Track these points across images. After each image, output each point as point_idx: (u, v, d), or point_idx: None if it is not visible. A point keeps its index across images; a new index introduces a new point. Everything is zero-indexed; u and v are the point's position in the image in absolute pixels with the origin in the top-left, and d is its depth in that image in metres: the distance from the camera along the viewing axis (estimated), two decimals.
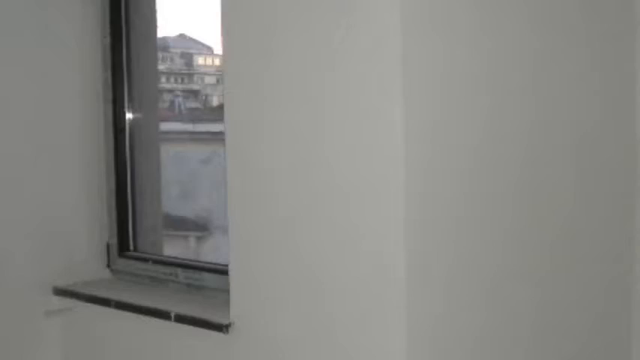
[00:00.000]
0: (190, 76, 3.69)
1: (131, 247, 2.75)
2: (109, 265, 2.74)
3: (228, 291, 2.15)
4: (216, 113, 2.82)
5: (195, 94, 3.76)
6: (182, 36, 3.56)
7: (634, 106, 2.28)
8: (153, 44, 2.83)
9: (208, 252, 3.30)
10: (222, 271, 2.28)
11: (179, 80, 3.68)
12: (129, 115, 2.74)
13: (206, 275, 2.46)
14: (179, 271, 2.55)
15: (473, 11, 1.91)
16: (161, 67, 3.10)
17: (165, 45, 3.32)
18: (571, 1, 2.13)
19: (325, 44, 1.88)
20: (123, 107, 2.73)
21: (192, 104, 3.72)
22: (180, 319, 2.25)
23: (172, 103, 3.59)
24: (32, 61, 2.57)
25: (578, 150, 2.17)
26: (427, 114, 1.82)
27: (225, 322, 2.12)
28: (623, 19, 2.25)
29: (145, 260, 2.67)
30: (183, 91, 3.67)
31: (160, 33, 2.89)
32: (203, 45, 3.60)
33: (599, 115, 2.23)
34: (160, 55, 2.99)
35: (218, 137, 2.19)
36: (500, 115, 1.98)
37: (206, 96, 3.73)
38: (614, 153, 2.27)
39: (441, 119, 1.86)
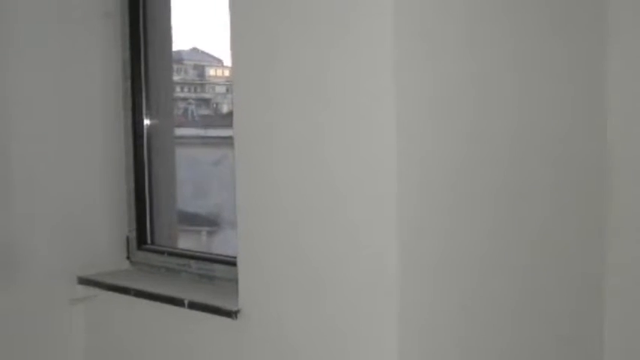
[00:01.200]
0: (202, 85, 3.67)
1: (148, 241, 2.75)
2: (128, 257, 2.74)
3: (236, 280, 2.15)
4: (226, 119, 2.82)
5: (206, 102, 3.74)
6: (195, 49, 3.55)
7: (604, 113, 2.27)
8: (168, 57, 2.83)
9: (218, 245, 3.28)
10: (231, 263, 2.27)
11: (192, 90, 3.66)
12: (147, 122, 2.74)
13: (216, 266, 2.46)
14: (192, 262, 2.55)
15: (461, 25, 1.92)
16: (176, 77, 3.09)
17: (180, 57, 3.30)
18: (548, 17, 2.12)
19: (324, 58, 1.89)
20: (141, 114, 2.73)
21: (204, 111, 3.70)
22: (193, 306, 2.25)
23: (186, 110, 3.58)
24: (62, 73, 2.58)
25: (554, 152, 2.17)
26: (417, 120, 1.82)
27: (233, 308, 2.12)
28: (595, 34, 2.24)
29: (161, 252, 2.67)
30: (196, 99, 3.66)
31: (175, 47, 2.88)
32: (214, 57, 3.58)
33: (574, 120, 2.22)
34: (174, 66, 2.97)
35: (227, 141, 2.18)
36: (485, 120, 1.98)
37: (216, 104, 3.71)
38: (587, 154, 2.26)
39: (429, 126, 1.86)
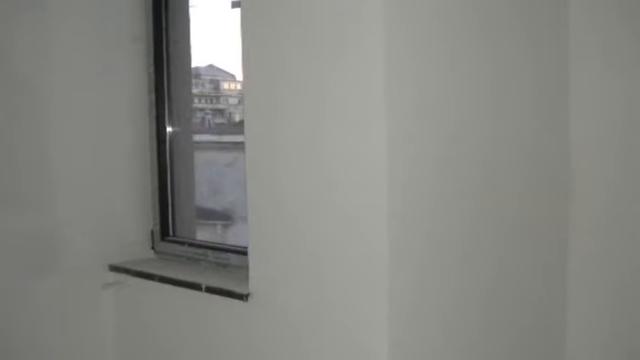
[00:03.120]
0: (217, 98, 3.66)
1: (171, 233, 2.74)
2: (153, 248, 2.74)
3: (247, 268, 2.15)
4: (238, 127, 2.79)
5: (221, 112, 3.73)
6: (211, 66, 3.54)
7: (567, 121, 2.26)
8: (188, 73, 2.82)
9: (232, 237, 3.24)
10: (243, 252, 2.28)
11: (208, 101, 3.65)
12: (169, 129, 2.74)
13: (230, 255, 2.46)
14: (209, 252, 2.55)
15: (443, 46, 1.92)
16: (194, 90, 3.06)
17: (198, 73, 3.27)
18: (519, 37, 2.12)
19: (322, 74, 1.89)
20: (164, 123, 2.73)
21: (219, 120, 3.68)
22: (210, 290, 2.25)
23: (203, 119, 3.56)
24: (97, 87, 2.58)
25: (524, 154, 2.16)
26: (405, 127, 1.83)
27: (245, 292, 2.13)
28: (559, 53, 2.24)
29: (182, 243, 2.67)
30: (212, 109, 3.64)
31: (194, 64, 2.87)
32: (228, 73, 3.57)
33: (540, 127, 2.22)
34: (193, 81, 2.95)
35: (239, 146, 2.17)
36: (463, 127, 1.98)
37: (230, 114, 3.69)
38: (552, 157, 2.26)
39: (415, 132, 1.86)
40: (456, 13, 1.94)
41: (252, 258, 2.12)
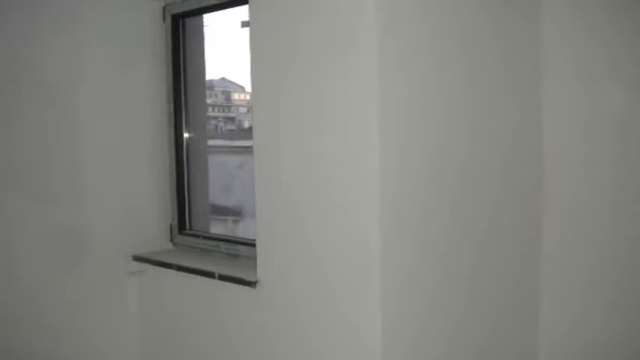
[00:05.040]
0: (229, 107, 3.67)
1: (187, 227, 2.74)
2: (171, 240, 2.73)
3: (255, 258, 2.14)
4: (247, 133, 2.77)
5: (232, 119, 3.74)
6: (223, 79, 3.55)
7: (540, 132, 2.24)
8: (202, 85, 2.82)
9: (241, 230, 3.25)
10: (251, 244, 2.27)
11: (221, 110, 3.66)
12: (186, 135, 2.74)
13: (240, 247, 2.46)
14: (221, 244, 2.54)
15: (429, 65, 1.91)
16: (208, 100, 3.04)
17: (211, 85, 3.27)
18: (495, 56, 2.10)
19: (320, 88, 1.88)
20: (181, 129, 2.72)
21: (230, 127, 3.70)
22: (222, 277, 2.25)
23: (216, 126, 3.57)
24: (122, 97, 2.59)
25: (501, 158, 2.15)
26: (395, 136, 1.82)
27: (253, 279, 2.13)
28: (532, 66, 2.23)
29: (197, 236, 2.66)
30: (224, 117, 3.66)
31: (207, 77, 2.87)
32: (238, 85, 3.57)
33: (516, 132, 2.21)
34: (207, 92, 2.95)
35: (248, 150, 2.16)
36: (446, 136, 1.97)
37: (240, 121, 3.70)
38: (526, 159, 2.24)
39: (404, 142, 1.86)
40: (441, 37, 1.93)
41: (260, 249, 2.12)
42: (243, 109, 3.65)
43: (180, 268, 2.43)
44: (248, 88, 2.35)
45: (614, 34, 2.08)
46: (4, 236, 2.30)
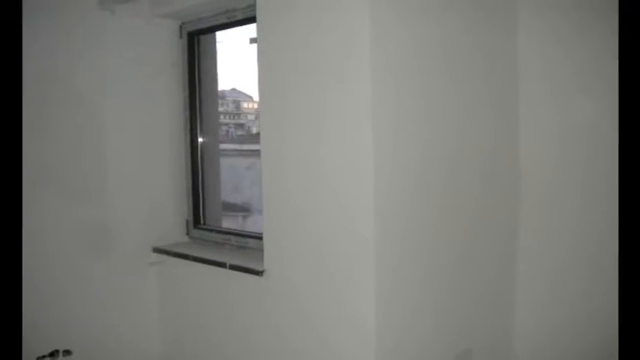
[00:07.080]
0: (238, 114, 3.69)
1: (202, 222, 2.73)
2: (187, 234, 2.72)
3: (262, 250, 2.13)
4: (255, 138, 2.78)
5: (241, 126, 3.76)
6: (234, 89, 3.56)
7: (517, 136, 2.24)
8: (215, 95, 2.81)
9: (250, 225, 3.26)
10: (259, 237, 2.26)
11: (231, 117, 3.68)
12: (200, 139, 2.73)
13: (249, 240, 2.45)
14: (232, 237, 2.54)
15: (417, 74, 1.91)
16: (220, 109, 3.03)
17: (223, 95, 3.26)
18: (476, 67, 2.10)
19: (321, 97, 1.88)
20: (196, 134, 2.72)
21: (240, 132, 3.72)
22: (232, 267, 2.24)
23: (227, 131, 3.58)
24: (143, 105, 2.58)
25: (482, 159, 2.15)
26: (388, 137, 1.82)
27: (260, 269, 2.12)
28: (510, 77, 2.23)
29: (211, 230, 2.65)
30: (234, 124, 3.68)
31: (220, 87, 2.86)
32: (247, 95, 3.60)
33: (495, 139, 2.20)
34: (219, 101, 2.94)
35: (256, 153, 2.16)
36: (433, 139, 1.97)
37: (248, 127, 3.72)
38: (505, 160, 2.23)
39: (396, 142, 1.85)
40: (428, 51, 1.93)
41: (266, 242, 2.11)
42: (251, 117, 3.67)
43: (196, 259, 2.43)
44: (256, 98, 2.35)
45: (584, 51, 2.09)
46: (40, 230, 2.30)
